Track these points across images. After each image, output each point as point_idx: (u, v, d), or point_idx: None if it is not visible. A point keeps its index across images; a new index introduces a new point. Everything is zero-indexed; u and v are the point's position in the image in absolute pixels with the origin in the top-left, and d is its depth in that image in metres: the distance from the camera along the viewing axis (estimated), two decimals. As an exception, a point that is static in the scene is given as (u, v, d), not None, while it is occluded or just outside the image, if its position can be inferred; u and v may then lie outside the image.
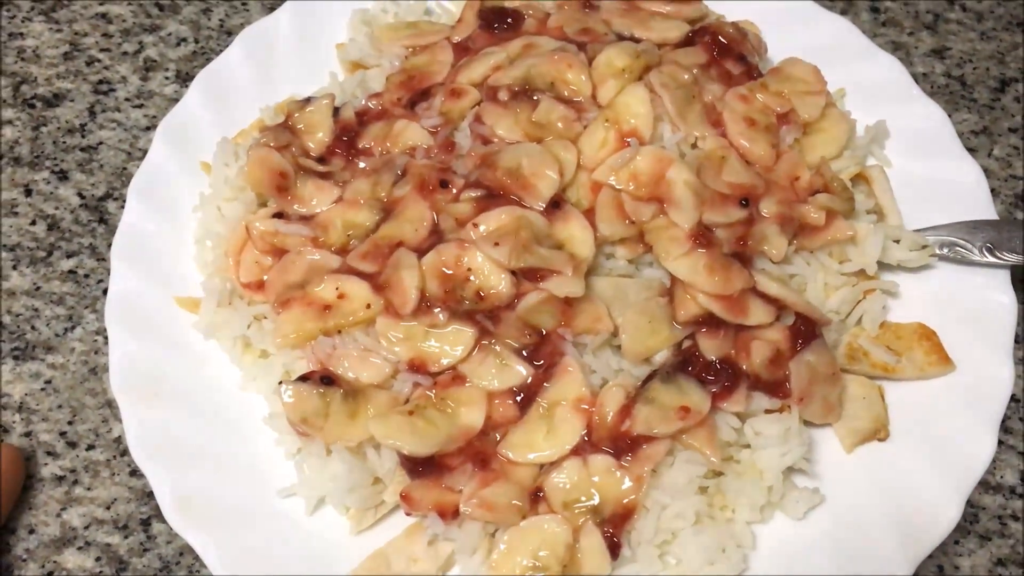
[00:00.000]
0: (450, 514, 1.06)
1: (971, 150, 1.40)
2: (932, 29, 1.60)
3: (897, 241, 1.24)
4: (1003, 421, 1.15)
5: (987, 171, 1.39)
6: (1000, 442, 1.18)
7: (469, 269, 1.14)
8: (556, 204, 1.18)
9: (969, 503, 1.11)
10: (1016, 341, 1.24)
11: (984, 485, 1.20)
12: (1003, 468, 1.22)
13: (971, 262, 1.24)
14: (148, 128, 1.47)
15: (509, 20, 1.40)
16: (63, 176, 1.42)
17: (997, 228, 1.24)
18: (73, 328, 1.29)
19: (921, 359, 1.19)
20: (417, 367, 1.12)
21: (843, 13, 1.59)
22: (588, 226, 1.17)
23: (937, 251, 1.24)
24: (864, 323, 1.21)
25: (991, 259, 1.22)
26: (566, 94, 1.29)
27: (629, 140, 1.23)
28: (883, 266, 1.24)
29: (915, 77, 1.47)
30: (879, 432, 1.16)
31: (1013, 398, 1.23)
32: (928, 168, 1.32)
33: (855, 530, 1.10)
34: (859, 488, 1.13)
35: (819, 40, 1.43)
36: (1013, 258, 1.21)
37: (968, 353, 1.19)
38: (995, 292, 1.22)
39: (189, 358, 1.20)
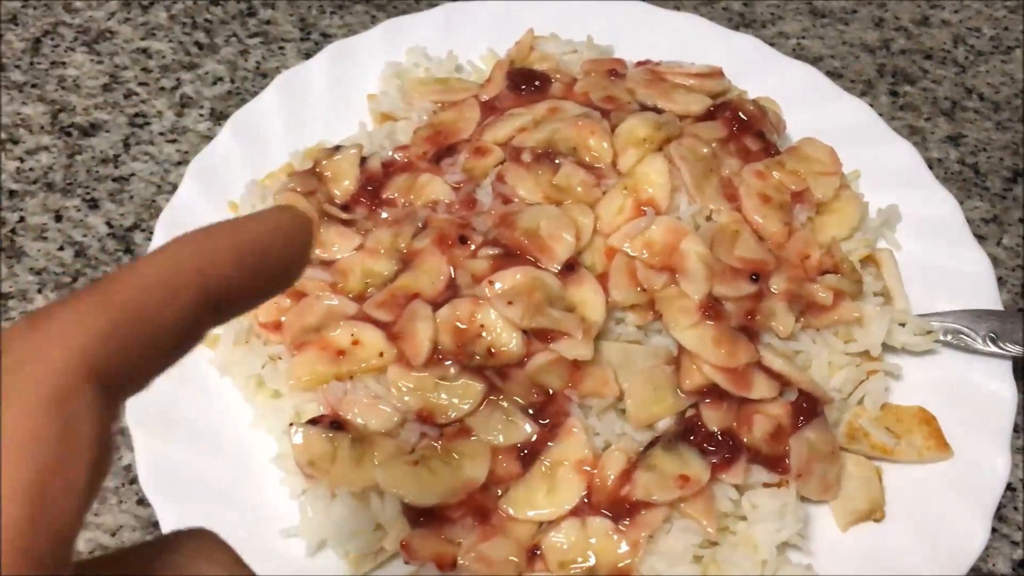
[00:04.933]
0: (448, 565, 1.08)
1: (981, 238, 1.43)
2: (949, 116, 1.64)
3: (902, 325, 1.26)
4: (998, 510, 1.16)
5: (995, 260, 1.42)
6: (994, 530, 1.19)
7: (482, 326, 1.17)
8: (571, 267, 1.21)
9: (960, 590, 1.12)
10: (1016, 431, 1.25)
11: (976, 572, 1.21)
12: (995, 556, 1.23)
13: (974, 350, 1.26)
14: (179, 163, 1.51)
15: (537, 83, 1.44)
16: (94, 205, 1.46)
17: (1001, 319, 1.26)
18: (92, 355, 1.32)
19: (920, 443, 1.21)
20: (425, 418, 1.14)
21: (863, 95, 1.63)
22: (601, 291, 1.19)
23: (941, 337, 1.26)
24: (866, 403, 1.23)
25: (994, 349, 1.24)
26: (587, 159, 1.32)
27: (646, 209, 1.26)
28: (887, 348, 1.27)
29: (930, 162, 1.50)
30: (875, 513, 1.17)
31: (1009, 487, 1.24)
32: (937, 254, 1.35)
33: (845, 609, 1.11)
34: (852, 568, 1.14)
35: (837, 121, 1.46)
36: (1015, 349, 1.24)
37: (966, 440, 1.20)
38: (996, 382, 1.24)
39: (203, 393, 1.23)
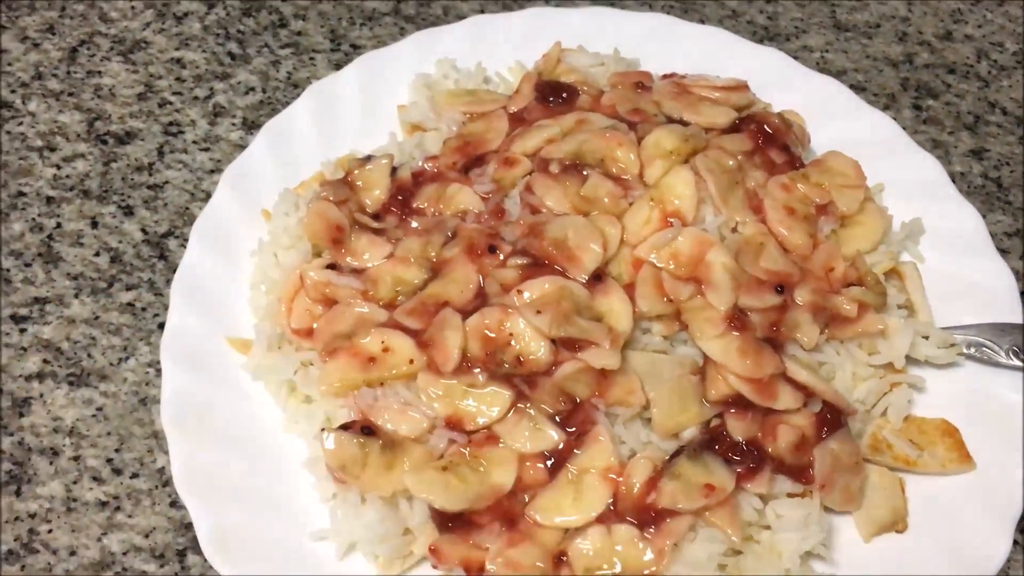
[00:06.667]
0: (475, 570, 1.10)
1: (1004, 252, 1.44)
2: (972, 130, 1.65)
3: (926, 337, 1.28)
4: (1020, 522, 1.17)
5: (1018, 273, 1.43)
6: (1015, 542, 1.20)
7: (511, 334, 1.18)
8: (598, 277, 1.23)
9: (982, 601, 1.13)
10: (1038, 443, 1.26)
11: (998, 584, 1.22)
12: (1018, 568, 1.24)
13: (997, 363, 1.27)
14: (212, 171, 1.54)
15: (564, 95, 1.46)
16: (128, 211, 1.49)
17: (1024, 332, 1.27)
18: (127, 359, 1.35)
19: (943, 455, 1.22)
20: (454, 424, 1.16)
21: (886, 109, 1.64)
22: (628, 301, 1.21)
23: (964, 350, 1.27)
24: (889, 415, 1.24)
25: (1017, 362, 1.25)
26: (614, 171, 1.34)
27: (672, 220, 1.28)
28: (911, 361, 1.28)
29: (953, 176, 1.51)
30: (897, 524, 1.18)
31: (1031, 500, 1.25)
32: (960, 267, 1.36)
33: (868, 619, 1.13)
34: (874, 578, 1.15)
35: (861, 135, 1.48)
36: (1039, 363, 1.25)
37: (989, 453, 1.21)
38: (1019, 395, 1.25)
39: (236, 397, 1.25)
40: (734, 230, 1.31)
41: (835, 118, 1.51)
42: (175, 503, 1.24)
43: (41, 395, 1.31)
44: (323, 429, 1.18)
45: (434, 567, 1.12)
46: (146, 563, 1.20)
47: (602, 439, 1.15)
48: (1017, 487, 1.19)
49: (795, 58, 1.61)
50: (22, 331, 1.37)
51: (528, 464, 1.15)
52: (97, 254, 1.45)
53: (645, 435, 1.17)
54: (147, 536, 1.22)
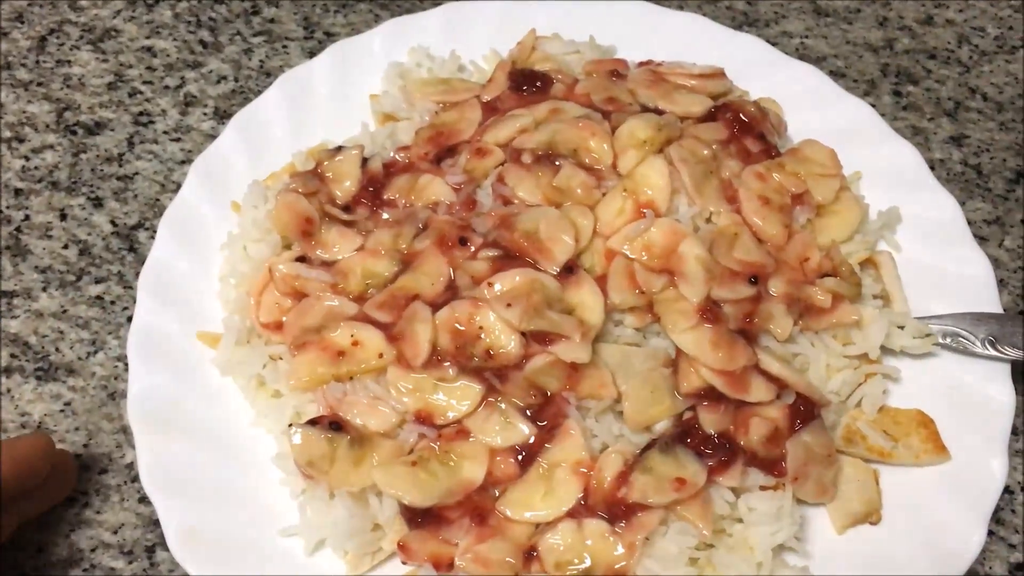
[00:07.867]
0: (445, 566, 1.09)
1: (982, 239, 1.43)
2: (952, 116, 1.63)
3: (901, 327, 1.26)
4: (995, 513, 1.17)
5: (997, 261, 1.42)
6: (991, 533, 1.20)
7: (481, 327, 1.17)
8: (570, 269, 1.22)
9: (956, 593, 1.13)
10: (1014, 433, 1.25)
11: (973, 575, 1.21)
12: (992, 559, 1.23)
13: (973, 353, 1.26)
14: (183, 162, 1.52)
15: (538, 83, 1.44)
16: (98, 203, 1.47)
17: (1000, 322, 1.26)
18: (95, 353, 1.33)
19: (917, 446, 1.21)
20: (423, 419, 1.15)
21: (866, 95, 1.62)
22: (599, 294, 1.20)
23: (940, 340, 1.26)
24: (863, 406, 1.23)
25: (992, 352, 1.24)
26: (587, 161, 1.32)
27: (645, 211, 1.27)
28: (886, 351, 1.27)
29: (932, 163, 1.50)
30: (871, 515, 1.18)
31: (1007, 490, 1.25)
32: (937, 257, 1.34)
33: (841, 612, 1.12)
34: (848, 570, 1.14)
35: (839, 122, 1.46)
36: (1014, 353, 1.23)
37: (963, 444, 1.21)
38: (994, 385, 1.24)
39: (205, 392, 1.24)
40: (708, 220, 1.30)
41: (813, 105, 1.49)
42: (143, 499, 1.22)
43: (8, 390, 1.30)
44: (291, 424, 1.17)
45: (403, 563, 1.11)
46: (115, 560, 1.19)
47: (573, 433, 1.14)
48: (991, 478, 1.18)
49: (774, 44, 1.60)
50: (-11, 326, 1.35)
51: (499, 458, 1.14)
52: (66, 247, 1.43)
53: (617, 428, 1.16)
54: (115, 532, 1.21)
